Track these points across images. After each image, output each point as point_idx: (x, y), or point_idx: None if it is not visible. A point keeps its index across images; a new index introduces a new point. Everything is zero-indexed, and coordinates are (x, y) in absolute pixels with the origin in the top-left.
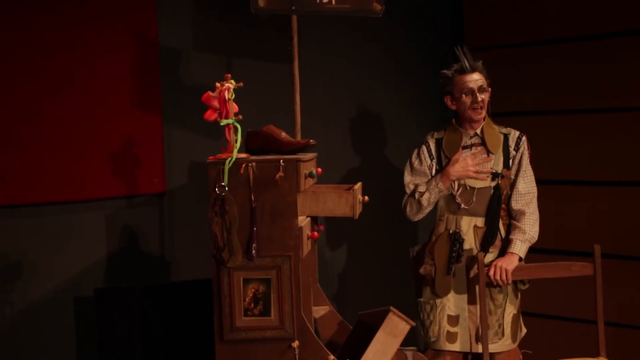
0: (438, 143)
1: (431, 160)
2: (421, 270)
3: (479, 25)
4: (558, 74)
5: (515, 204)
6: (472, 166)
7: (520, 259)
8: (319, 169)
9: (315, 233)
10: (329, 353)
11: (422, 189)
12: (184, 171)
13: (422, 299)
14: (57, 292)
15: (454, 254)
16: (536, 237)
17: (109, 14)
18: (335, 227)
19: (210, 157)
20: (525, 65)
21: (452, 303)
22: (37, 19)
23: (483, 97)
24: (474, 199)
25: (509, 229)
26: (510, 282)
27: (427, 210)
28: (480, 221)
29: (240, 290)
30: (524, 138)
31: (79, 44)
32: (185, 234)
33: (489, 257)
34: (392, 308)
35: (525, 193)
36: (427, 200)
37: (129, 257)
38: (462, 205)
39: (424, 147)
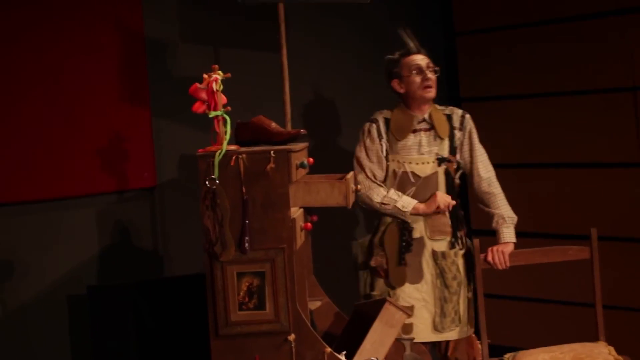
0: (387, 123)
1: (380, 140)
2: (372, 262)
3: (467, 9)
4: (548, 55)
5: (479, 187)
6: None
7: (514, 245)
8: (311, 159)
9: (309, 224)
10: (326, 345)
11: (386, 200)
12: (174, 165)
13: (374, 292)
14: (50, 290)
15: (403, 243)
16: (514, 216)
17: (94, 8)
18: (328, 217)
19: (200, 150)
20: (516, 48)
21: (406, 294)
22: (21, 13)
23: (432, 76)
24: (419, 186)
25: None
26: (508, 265)
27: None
28: None
29: (234, 284)
30: (467, 116)
31: (65, 38)
32: (178, 228)
33: (440, 246)
34: (388, 298)
35: (487, 174)
36: (384, 212)
37: (121, 253)
38: (409, 194)
39: (373, 126)
